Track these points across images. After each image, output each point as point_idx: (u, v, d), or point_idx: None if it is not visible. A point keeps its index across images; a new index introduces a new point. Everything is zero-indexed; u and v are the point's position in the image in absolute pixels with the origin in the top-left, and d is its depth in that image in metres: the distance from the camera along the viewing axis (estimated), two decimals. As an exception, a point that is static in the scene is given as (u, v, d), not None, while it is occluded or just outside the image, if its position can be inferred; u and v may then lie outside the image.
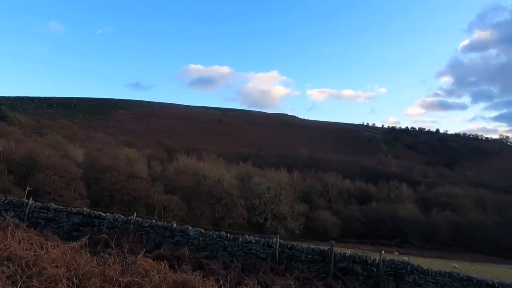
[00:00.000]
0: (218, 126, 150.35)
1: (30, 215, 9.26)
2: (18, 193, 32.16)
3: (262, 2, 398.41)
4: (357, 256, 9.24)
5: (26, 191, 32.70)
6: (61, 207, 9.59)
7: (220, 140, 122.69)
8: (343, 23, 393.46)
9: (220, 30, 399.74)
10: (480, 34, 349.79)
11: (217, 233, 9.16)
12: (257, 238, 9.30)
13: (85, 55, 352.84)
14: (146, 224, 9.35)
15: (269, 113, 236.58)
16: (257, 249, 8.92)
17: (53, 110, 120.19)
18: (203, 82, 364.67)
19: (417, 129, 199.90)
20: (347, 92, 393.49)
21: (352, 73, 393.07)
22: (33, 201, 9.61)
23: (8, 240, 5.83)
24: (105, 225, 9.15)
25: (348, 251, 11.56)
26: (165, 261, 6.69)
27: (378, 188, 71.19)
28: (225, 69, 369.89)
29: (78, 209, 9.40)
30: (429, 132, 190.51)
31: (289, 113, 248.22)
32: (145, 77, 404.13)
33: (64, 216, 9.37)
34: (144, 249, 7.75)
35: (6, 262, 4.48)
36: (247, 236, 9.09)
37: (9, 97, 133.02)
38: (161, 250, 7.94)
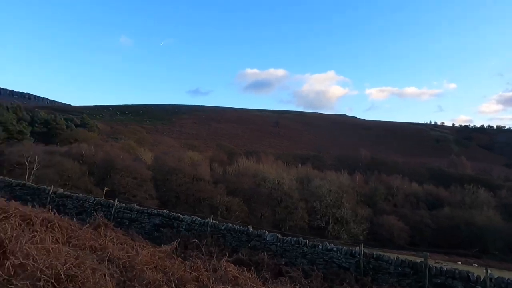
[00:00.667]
0: (275, 128, 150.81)
1: (116, 215, 9.98)
2: (98, 193, 35.33)
3: (316, 3, 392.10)
4: (456, 271, 8.24)
5: (104, 191, 35.78)
6: (143, 208, 10.17)
7: (277, 142, 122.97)
8: (404, 19, 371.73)
9: (276, 33, 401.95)
10: None
11: (294, 239, 8.89)
12: (338, 246, 8.83)
13: (151, 65, 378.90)
14: (223, 227, 9.46)
15: (326, 114, 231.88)
16: (339, 258, 8.45)
17: (125, 117, 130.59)
18: (259, 85, 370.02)
19: (495, 127, 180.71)
20: (410, 89, 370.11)
21: (416, 69, 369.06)
22: (117, 202, 10.31)
23: (102, 239, 6.25)
24: (183, 227, 9.48)
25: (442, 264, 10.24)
26: (243, 266, 6.62)
27: (450, 192, 65.43)
28: (280, 72, 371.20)
29: (158, 210, 9.87)
30: (509, 130, 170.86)
31: (347, 114, 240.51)
32: (204, 83, 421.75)
33: (146, 217, 9.93)
34: (222, 252, 7.85)
35: (105, 263, 4.73)
36: (327, 244, 8.66)
37: (88, 106, 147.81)
38: (239, 254, 7.93)
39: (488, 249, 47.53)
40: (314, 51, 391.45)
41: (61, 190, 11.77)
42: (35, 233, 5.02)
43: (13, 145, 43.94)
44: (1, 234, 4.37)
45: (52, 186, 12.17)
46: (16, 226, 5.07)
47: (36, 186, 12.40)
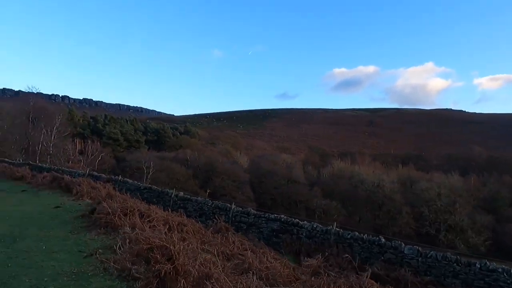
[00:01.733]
0: (369, 127, 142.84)
1: (233, 218, 10.29)
2: (202, 195, 38.15)
3: None
4: None
5: (207, 193, 38.42)
6: (260, 212, 10.30)
7: (373, 142, 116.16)
8: None
9: (363, 29, 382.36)
10: None
11: (441, 254, 7.59)
12: (503, 266, 7.20)
13: (240, 73, 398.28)
14: (348, 236, 8.85)
15: (427, 110, 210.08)
16: (507, 281, 6.81)
17: (220, 123, 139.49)
18: (348, 84, 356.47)
19: None
20: None
21: None
22: (234, 206, 10.66)
23: (231, 245, 6.41)
24: (304, 234, 9.15)
25: None
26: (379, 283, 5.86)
27: None
28: (370, 69, 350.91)
29: (275, 215, 9.85)
30: None
31: (453, 108, 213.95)
32: (292, 87, 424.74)
33: (263, 221, 9.93)
34: (351, 265, 7.34)
35: (245, 274, 4.63)
36: (487, 262, 7.14)
37: (188, 115, 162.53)
38: (374, 268, 7.09)
39: None
40: (407, 43, 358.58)
41: (181, 194, 12.83)
42: (186, 240, 5.26)
43: (133, 153, 50.49)
44: (170, 246, 4.46)
45: (174, 189, 13.33)
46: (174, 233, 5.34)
47: (160, 189, 13.76)
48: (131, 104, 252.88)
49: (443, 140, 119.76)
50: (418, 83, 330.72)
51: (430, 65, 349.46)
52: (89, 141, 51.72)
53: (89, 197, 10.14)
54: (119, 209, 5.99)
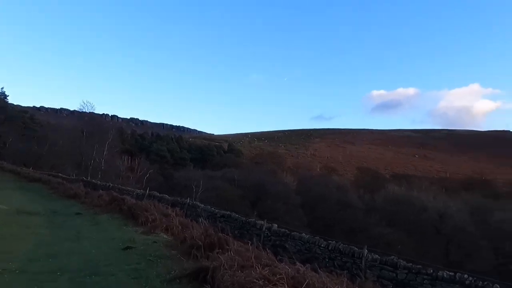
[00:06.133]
0: (420, 149, 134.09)
1: (368, 271, 7.40)
2: (253, 217, 35.75)
3: (446, 9, 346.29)
4: None
5: (255, 215, 35.91)
6: (415, 266, 7.43)
7: (426, 165, 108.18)
8: None
9: (403, 51, 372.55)
10: None
11: None
12: None
13: (277, 96, 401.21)
14: None
15: (481, 131, 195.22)
16: None
17: (262, 142, 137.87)
18: (387, 106, 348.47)
19: None
20: None
21: None
22: (367, 251, 7.87)
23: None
24: None
25: None
26: None
27: None
28: (410, 91, 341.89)
29: (450, 274, 6.95)
30: None
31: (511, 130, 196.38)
32: (328, 109, 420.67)
33: (426, 281, 6.90)
34: None
35: None
36: None
37: (229, 134, 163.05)
38: None
39: None
40: (451, 65, 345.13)
41: (275, 226, 10.40)
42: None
43: (179, 170, 49.62)
44: None
45: (265, 220, 10.99)
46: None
47: (243, 218, 11.48)
48: (174, 123, 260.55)
49: (506, 165, 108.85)
50: (463, 105, 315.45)
51: (476, 86, 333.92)
52: (137, 158, 51.79)
53: (164, 230, 7.89)
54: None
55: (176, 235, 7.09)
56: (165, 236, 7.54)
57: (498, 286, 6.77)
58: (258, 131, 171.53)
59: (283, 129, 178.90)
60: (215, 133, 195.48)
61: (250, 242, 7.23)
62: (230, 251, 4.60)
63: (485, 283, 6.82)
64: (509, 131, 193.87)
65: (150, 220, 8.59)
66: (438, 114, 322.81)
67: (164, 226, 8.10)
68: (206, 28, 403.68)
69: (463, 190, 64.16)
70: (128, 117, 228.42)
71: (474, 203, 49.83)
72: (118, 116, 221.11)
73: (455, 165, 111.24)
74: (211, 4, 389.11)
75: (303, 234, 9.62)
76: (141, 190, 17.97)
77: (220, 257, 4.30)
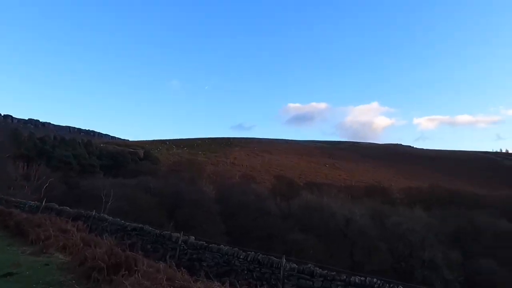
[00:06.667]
0: (330, 160, 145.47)
1: (285, 280, 7.20)
2: (169, 227, 34.07)
3: (354, 36, 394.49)
4: None
5: (171, 225, 34.42)
6: (327, 272, 7.41)
7: (334, 174, 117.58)
8: (448, 43, 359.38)
9: (317, 68, 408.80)
10: None
11: None
12: None
13: (197, 104, 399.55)
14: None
15: (380, 144, 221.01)
16: None
17: (180, 150, 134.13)
18: (301, 119, 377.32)
19: None
20: (463, 117, 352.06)
21: (468, 96, 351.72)
22: (285, 261, 7.64)
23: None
24: None
25: None
26: None
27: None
28: (322, 105, 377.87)
29: (361, 278, 7.12)
30: None
31: (402, 143, 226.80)
32: (247, 119, 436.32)
33: (334, 285, 7.06)
34: None
35: None
36: None
37: (145, 141, 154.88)
38: None
39: None
40: (355, 83, 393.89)
41: (192, 238, 9.59)
42: None
43: (87, 178, 45.07)
44: None
45: (182, 232, 10.15)
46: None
47: (158, 231, 10.40)
48: (82, 127, 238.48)
49: (400, 174, 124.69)
50: (365, 120, 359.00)
51: (375, 104, 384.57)
52: (35, 164, 45.63)
53: (61, 249, 6.60)
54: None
55: (75, 255, 5.99)
56: (61, 256, 6.33)
57: (402, 287, 7.32)
58: (177, 138, 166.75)
59: (203, 136, 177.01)
60: (131, 139, 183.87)
61: (164, 257, 6.63)
62: (138, 273, 3.96)
63: (391, 285, 7.35)
64: (400, 144, 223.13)
65: (43, 237, 7.25)
66: (345, 127, 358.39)
67: (61, 244, 6.89)
68: (124, 28, 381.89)
69: (366, 196, 70.99)
70: (26, 118, 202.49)
71: (374, 208, 55.51)
72: (13, 116, 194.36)
73: (359, 174, 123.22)
74: (131, 4, 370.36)
75: (222, 245, 9.22)
76: (36, 202, 15.53)
77: (125, 282, 3.66)
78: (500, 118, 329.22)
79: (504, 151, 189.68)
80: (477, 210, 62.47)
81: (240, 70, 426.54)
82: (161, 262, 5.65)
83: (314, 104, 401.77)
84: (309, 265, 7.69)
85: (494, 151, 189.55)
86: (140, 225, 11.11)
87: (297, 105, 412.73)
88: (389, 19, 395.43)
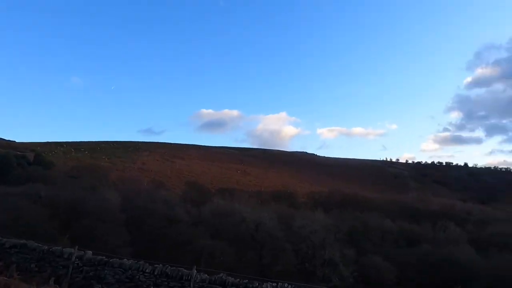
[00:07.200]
0: (241, 165, 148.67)
1: None
2: (64, 242, 30.25)
3: (267, 49, 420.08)
4: None
5: (67, 239, 30.80)
6: (242, 281, 7.10)
7: (245, 180, 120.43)
8: (347, 64, 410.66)
9: (230, 76, 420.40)
10: (482, 71, 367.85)
11: None
12: None
13: (103, 104, 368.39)
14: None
15: (288, 152, 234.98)
16: None
17: (81, 153, 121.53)
18: (213, 125, 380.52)
19: (444, 163, 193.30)
20: (358, 129, 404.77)
21: (362, 111, 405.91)
22: (196, 272, 7.13)
23: None
24: None
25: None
26: None
27: (423, 228, 66.16)
28: (234, 113, 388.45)
29: (274, 284, 6.91)
30: (458, 166, 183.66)
31: (307, 151, 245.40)
32: (157, 123, 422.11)
33: None
34: None
35: None
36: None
37: (37, 142, 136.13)
38: None
39: (471, 286, 47.41)
40: (266, 93, 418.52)
41: (89, 254, 8.27)
42: None
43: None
44: None
45: (76, 247, 8.73)
46: None
47: (45, 247, 8.72)
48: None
49: (304, 179, 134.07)
50: (275, 129, 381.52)
51: (283, 114, 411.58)
52: None
53: None
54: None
55: None
56: None
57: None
58: (77, 140, 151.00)
59: (108, 140, 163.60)
60: (18, 140, 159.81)
61: (53, 278, 5.73)
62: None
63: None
64: (305, 152, 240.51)
65: None
66: (256, 135, 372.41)
67: None
68: (9, 14, 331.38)
69: (274, 201, 74.27)
70: None
71: (281, 212, 58.38)
72: None
73: (268, 180, 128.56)
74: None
75: (125, 260, 8.34)
76: None
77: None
78: (385, 131, 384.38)
79: (388, 159, 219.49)
80: (368, 211, 70.91)
81: (151, 72, 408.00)
82: (46, 285, 4.79)
83: (227, 111, 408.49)
84: (221, 274, 7.52)
85: (381, 159, 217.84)
86: (22, 241, 9.39)
87: (210, 111, 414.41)
88: (300, 36, 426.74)
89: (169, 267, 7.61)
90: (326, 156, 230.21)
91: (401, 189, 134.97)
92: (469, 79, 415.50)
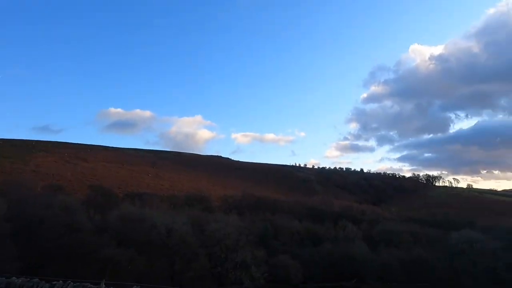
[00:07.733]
0: (153, 169, 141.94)
1: None
2: None
3: (182, 50, 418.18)
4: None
5: None
6: None
7: (157, 184, 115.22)
8: (262, 74, 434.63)
9: (143, 75, 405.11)
10: (375, 89, 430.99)
11: None
12: None
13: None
14: None
15: (203, 155, 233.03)
16: None
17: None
18: (123, 125, 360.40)
19: (344, 169, 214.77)
20: (270, 136, 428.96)
21: (274, 118, 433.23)
22: (105, 286, 6.12)
23: None
24: None
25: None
26: None
27: (325, 228, 72.11)
28: (147, 113, 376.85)
29: None
30: (355, 172, 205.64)
31: (222, 155, 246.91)
32: (56, 120, 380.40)
33: None
34: None
35: None
36: None
37: None
38: None
39: (365, 278, 53.37)
40: (181, 95, 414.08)
41: None
42: None
43: None
44: None
45: None
46: None
47: None
48: None
49: (217, 183, 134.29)
50: (189, 132, 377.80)
51: (199, 117, 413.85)
52: None
53: None
54: None
55: None
56: None
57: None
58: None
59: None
60: None
61: None
62: None
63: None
64: (220, 156, 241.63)
65: None
66: (169, 137, 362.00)
67: None
68: None
69: (187, 205, 72.68)
70: None
71: (195, 216, 57.40)
72: None
73: (181, 183, 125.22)
74: None
75: (13, 278, 7.13)
76: None
77: None
78: (294, 138, 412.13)
79: (297, 164, 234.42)
80: (278, 213, 74.44)
81: (50, 63, 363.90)
82: None
83: (138, 111, 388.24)
84: (134, 287, 7.01)
85: (290, 164, 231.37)
86: None
87: (119, 110, 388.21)
88: (218, 43, 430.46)
89: (72, 283, 6.76)
90: (240, 160, 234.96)
91: (308, 192, 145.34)
92: (365, 95, 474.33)
